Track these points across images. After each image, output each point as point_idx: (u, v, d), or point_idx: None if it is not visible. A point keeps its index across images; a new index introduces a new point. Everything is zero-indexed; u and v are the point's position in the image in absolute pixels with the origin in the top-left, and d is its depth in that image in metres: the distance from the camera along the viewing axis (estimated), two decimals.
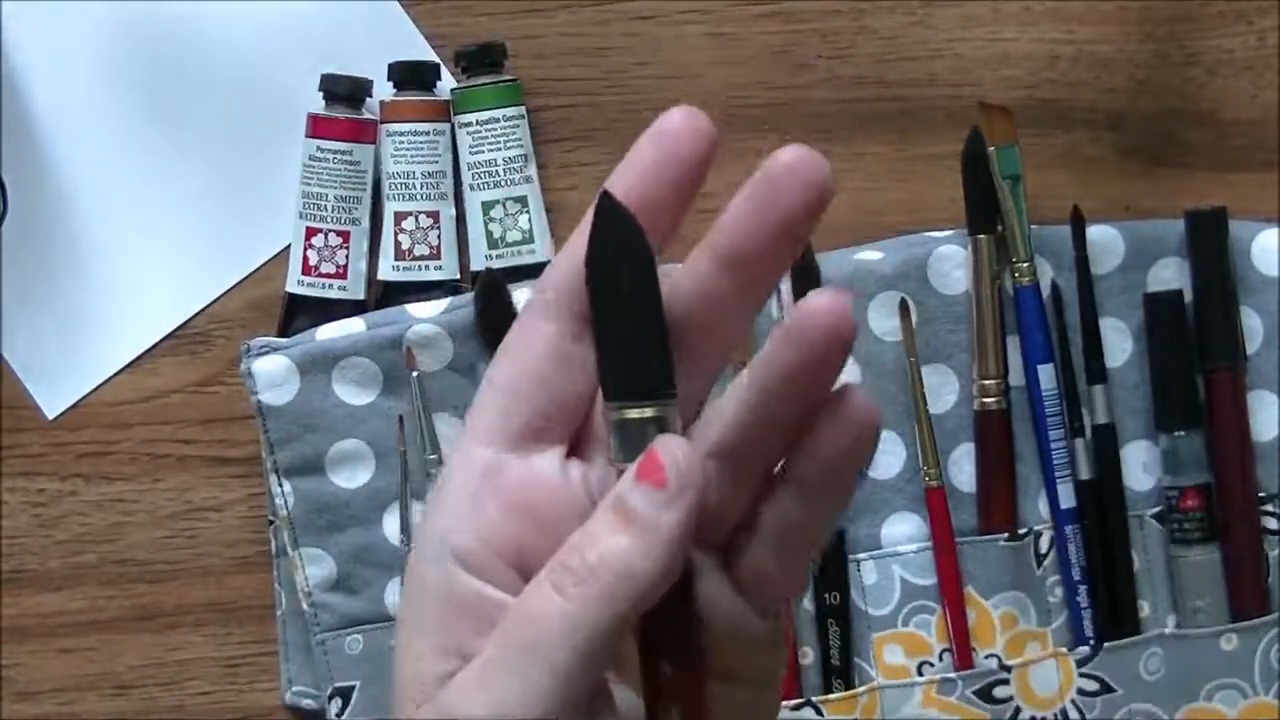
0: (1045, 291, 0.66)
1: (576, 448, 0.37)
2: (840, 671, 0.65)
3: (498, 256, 0.67)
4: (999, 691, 0.65)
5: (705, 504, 0.35)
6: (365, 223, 0.68)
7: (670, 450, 0.34)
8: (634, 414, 0.35)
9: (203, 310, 0.69)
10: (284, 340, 0.66)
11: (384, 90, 0.68)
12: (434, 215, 0.68)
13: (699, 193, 0.36)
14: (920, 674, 0.65)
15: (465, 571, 0.35)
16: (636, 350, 0.35)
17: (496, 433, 0.36)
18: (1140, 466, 0.66)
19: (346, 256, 0.68)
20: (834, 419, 0.35)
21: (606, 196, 0.35)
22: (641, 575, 0.34)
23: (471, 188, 0.67)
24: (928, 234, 0.67)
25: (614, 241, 0.35)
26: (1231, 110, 0.68)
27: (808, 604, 0.65)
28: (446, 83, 0.68)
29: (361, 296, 0.68)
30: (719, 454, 0.36)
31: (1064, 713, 0.65)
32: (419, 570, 0.36)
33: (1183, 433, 0.65)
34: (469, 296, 0.66)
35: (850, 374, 0.65)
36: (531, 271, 0.67)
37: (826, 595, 0.65)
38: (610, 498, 0.35)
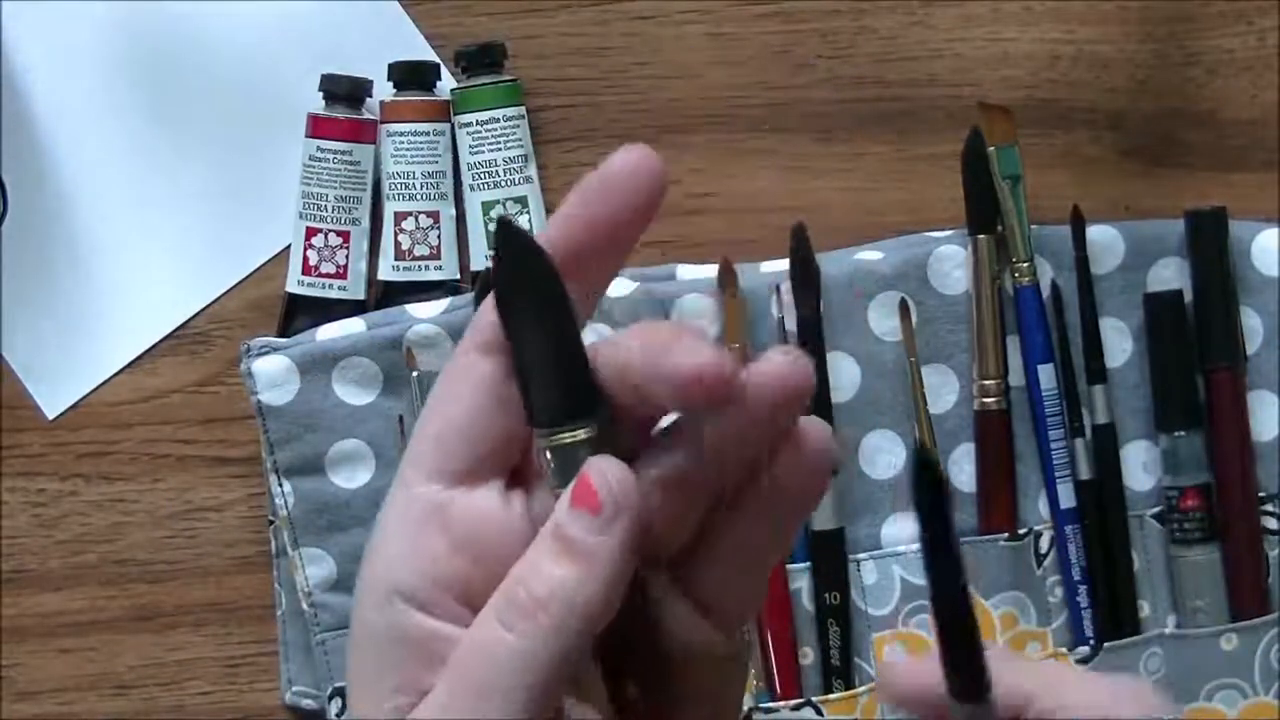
0: (1045, 291, 0.66)
1: (516, 478, 0.36)
2: (840, 671, 0.65)
3: None
4: None
5: (647, 525, 0.34)
6: (365, 223, 0.68)
7: (601, 473, 0.34)
8: (565, 438, 0.34)
9: (203, 310, 0.69)
10: (284, 340, 0.66)
11: (384, 90, 0.68)
12: (434, 215, 0.68)
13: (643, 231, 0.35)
14: None
15: (414, 610, 0.35)
16: (556, 374, 0.34)
17: (437, 471, 0.35)
18: (1140, 466, 0.66)
19: (346, 256, 0.68)
20: (792, 452, 0.35)
21: (504, 224, 0.34)
22: (586, 604, 0.33)
23: (471, 188, 0.67)
24: (928, 234, 0.67)
25: (517, 268, 0.34)
26: (1231, 110, 0.68)
27: (808, 604, 0.65)
28: (446, 83, 0.68)
29: (361, 296, 0.68)
30: (666, 484, 0.35)
31: None
32: (364, 614, 0.35)
33: (1183, 433, 0.65)
34: (469, 296, 0.66)
35: (850, 374, 0.65)
36: None
37: (826, 595, 0.65)
38: (548, 526, 0.34)
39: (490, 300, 0.35)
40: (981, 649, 0.35)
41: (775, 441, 0.35)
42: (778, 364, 0.34)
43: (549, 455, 0.34)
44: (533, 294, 0.34)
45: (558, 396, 0.34)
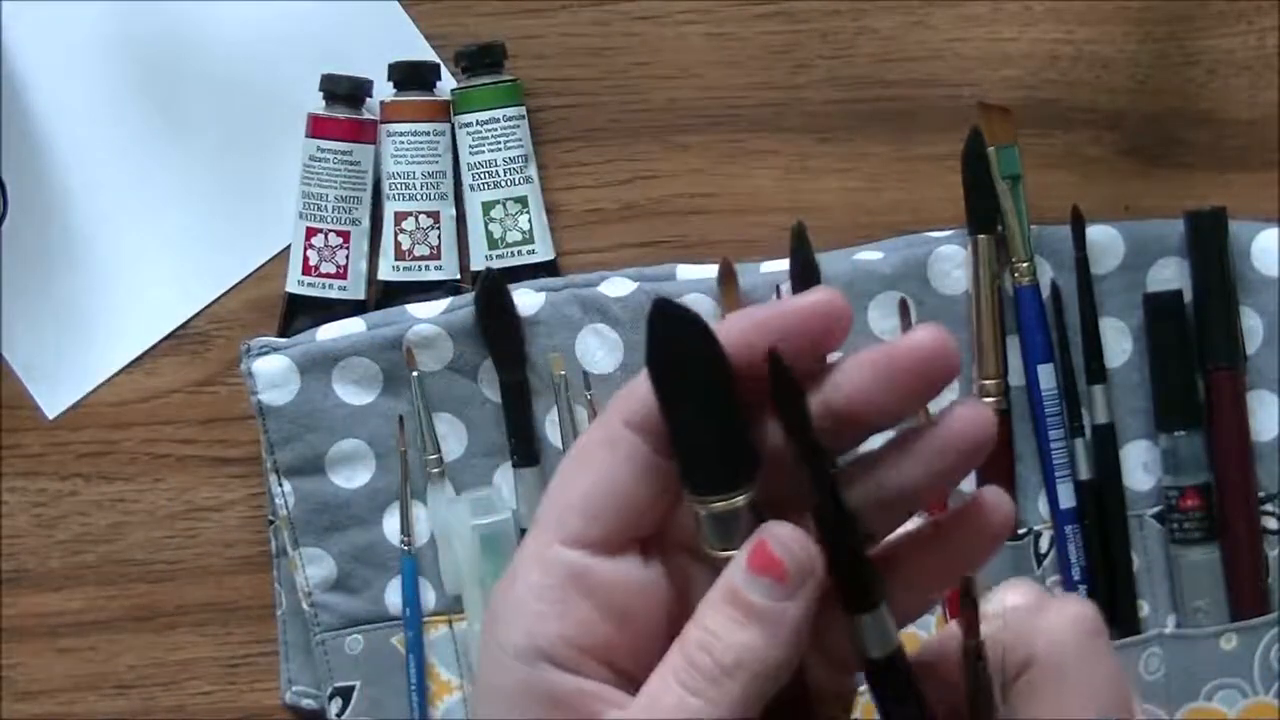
0: (1045, 291, 0.66)
1: (649, 543, 0.38)
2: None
3: (498, 256, 0.67)
4: None
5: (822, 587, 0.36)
6: (365, 223, 0.68)
7: (784, 542, 0.35)
8: (720, 506, 0.35)
9: (203, 310, 0.69)
10: (284, 340, 0.66)
11: (384, 90, 0.68)
12: (434, 215, 0.68)
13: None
14: None
15: (559, 669, 0.36)
16: (717, 443, 0.35)
17: (579, 538, 0.36)
18: (1140, 466, 0.66)
19: (346, 256, 0.68)
20: (971, 524, 0.38)
21: (661, 300, 0.35)
22: (772, 668, 0.35)
23: (471, 188, 0.67)
24: (928, 234, 0.67)
25: (674, 338, 0.35)
26: (1231, 110, 0.68)
27: None
28: (446, 83, 0.68)
29: (361, 296, 0.68)
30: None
31: None
32: (503, 672, 0.36)
33: (1183, 433, 0.65)
34: (469, 296, 0.66)
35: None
36: (532, 271, 0.67)
37: None
38: (722, 592, 0.35)
39: (644, 376, 0.36)
40: (864, 557, 0.36)
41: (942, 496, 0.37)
42: (967, 415, 0.37)
43: (708, 521, 0.36)
44: (693, 365, 0.35)
45: (718, 464, 0.35)
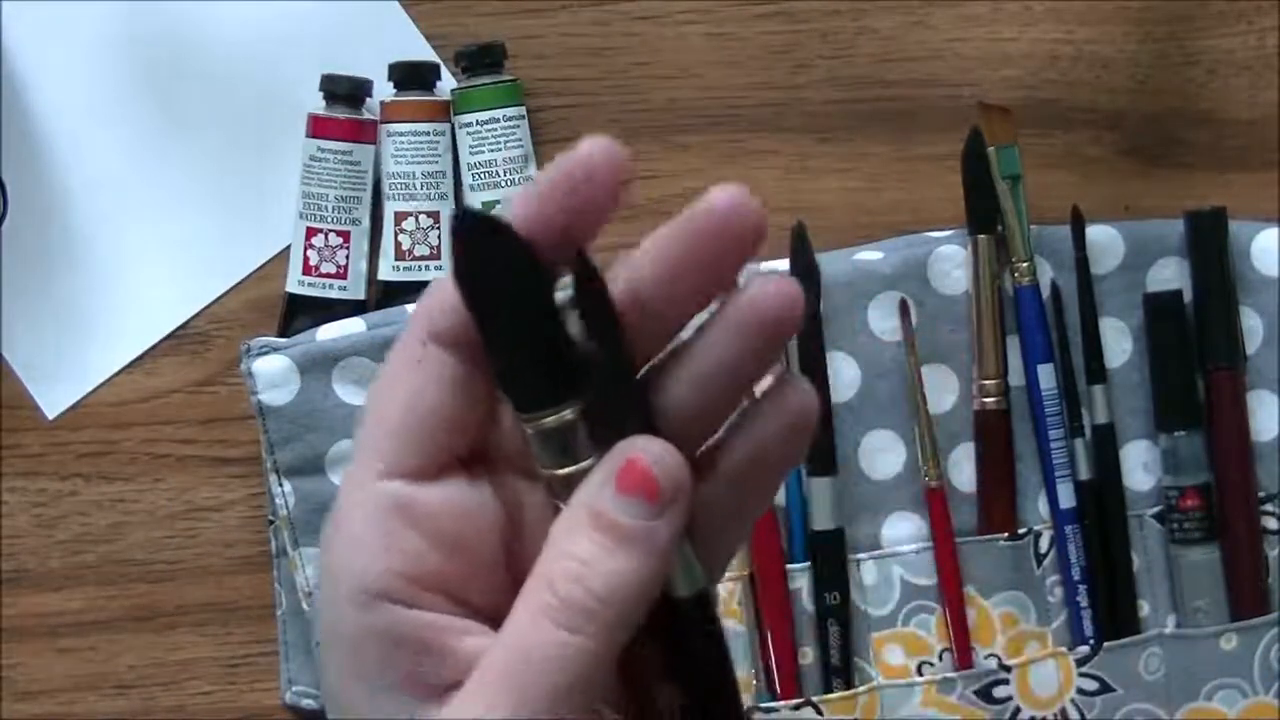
0: (1045, 291, 0.66)
1: (475, 462, 0.36)
2: (840, 671, 0.65)
3: None
4: (999, 691, 0.65)
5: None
6: (365, 223, 0.68)
7: (657, 456, 0.33)
8: (551, 421, 0.33)
9: (203, 310, 0.69)
10: (284, 340, 0.66)
11: (384, 90, 0.68)
12: (434, 215, 0.68)
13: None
14: (920, 674, 0.65)
15: (398, 606, 0.34)
16: (537, 356, 0.33)
17: (398, 466, 0.35)
18: (1140, 466, 0.66)
19: (347, 256, 0.68)
20: (773, 405, 0.35)
21: (465, 212, 0.33)
22: (649, 591, 0.33)
23: (472, 188, 0.67)
24: (928, 234, 0.67)
25: (485, 250, 0.33)
26: (1231, 110, 0.68)
27: (808, 604, 0.65)
28: (446, 83, 0.68)
29: (361, 296, 0.68)
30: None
31: (1064, 712, 0.65)
32: (341, 614, 0.34)
33: (1183, 433, 0.65)
34: None
35: (850, 374, 0.65)
36: None
37: (826, 595, 0.65)
38: (586, 516, 0.33)
39: (441, 284, 0.34)
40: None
41: (759, 373, 0.34)
42: (769, 289, 0.34)
43: (536, 438, 0.34)
44: (505, 276, 0.33)
45: (542, 380, 0.33)
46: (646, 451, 0.33)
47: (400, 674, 0.34)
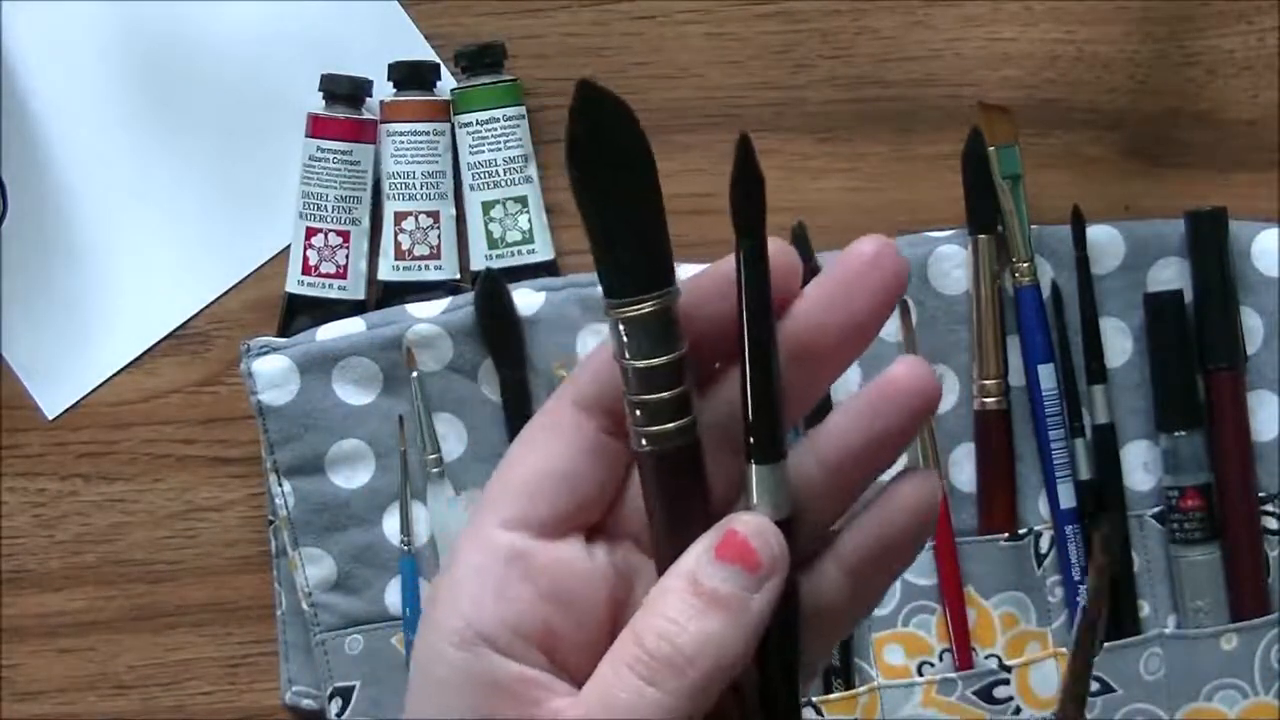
0: (1045, 291, 0.66)
1: (596, 531, 0.36)
2: (840, 671, 0.65)
3: (498, 256, 0.67)
4: (999, 691, 0.65)
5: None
6: (365, 223, 0.68)
7: (758, 530, 0.34)
8: (650, 306, 0.33)
9: (203, 310, 0.69)
10: (284, 340, 0.66)
11: (384, 90, 0.68)
12: (434, 215, 0.68)
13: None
14: (920, 674, 0.65)
15: (500, 655, 0.35)
16: (639, 241, 0.33)
17: (522, 521, 0.35)
18: (1140, 466, 0.66)
19: (346, 256, 0.68)
20: (896, 498, 0.36)
21: (587, 83, 0.33)
22: (736, 659, 0.34)
23: (471, 188, 0.67)
24: (928, 234, 0.67)
25: (599, 128, 0.33)
26: (1231, 110, 0.68)
27: None
28: (446, 83, 0.68)
29: (361, 296, 0.68)
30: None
31: None
32: (440, 655, 0.35)
33: (1183, 433, 0.65)
34: (469, 296, 0.66)
35: (850, 374, 0.65)
36: (532, 271, 0.67)
37: None
38: (681, 580, 0.34)
39: (594, 354, 0.35)
40: (779, 400, 0.34)
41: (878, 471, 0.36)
42: (905, 372, 0.36)
43: (622, 328, 0.34)
44: (619, 157, 0.33)
45: (645, 263, 0.34)
46: (745, 524, 0.34)
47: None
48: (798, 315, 0.35)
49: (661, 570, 0.35)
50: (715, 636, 0.33)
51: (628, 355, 0.34)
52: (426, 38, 0.68)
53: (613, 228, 0.34)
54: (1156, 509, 0.66)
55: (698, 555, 0.34)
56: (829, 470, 0.36)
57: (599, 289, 0.70)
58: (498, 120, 0.67)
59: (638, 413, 0.34)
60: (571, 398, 0.36)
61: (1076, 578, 0.65)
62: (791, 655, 0.36)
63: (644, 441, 0.35)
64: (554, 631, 0.35)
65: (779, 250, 0.35)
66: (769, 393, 0.34)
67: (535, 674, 0.35)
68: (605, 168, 0.33)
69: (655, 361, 0.34)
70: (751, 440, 0.34)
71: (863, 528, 0.37)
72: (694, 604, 0.34)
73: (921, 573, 0.65)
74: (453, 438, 0.66)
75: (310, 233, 0.67)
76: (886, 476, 0.37)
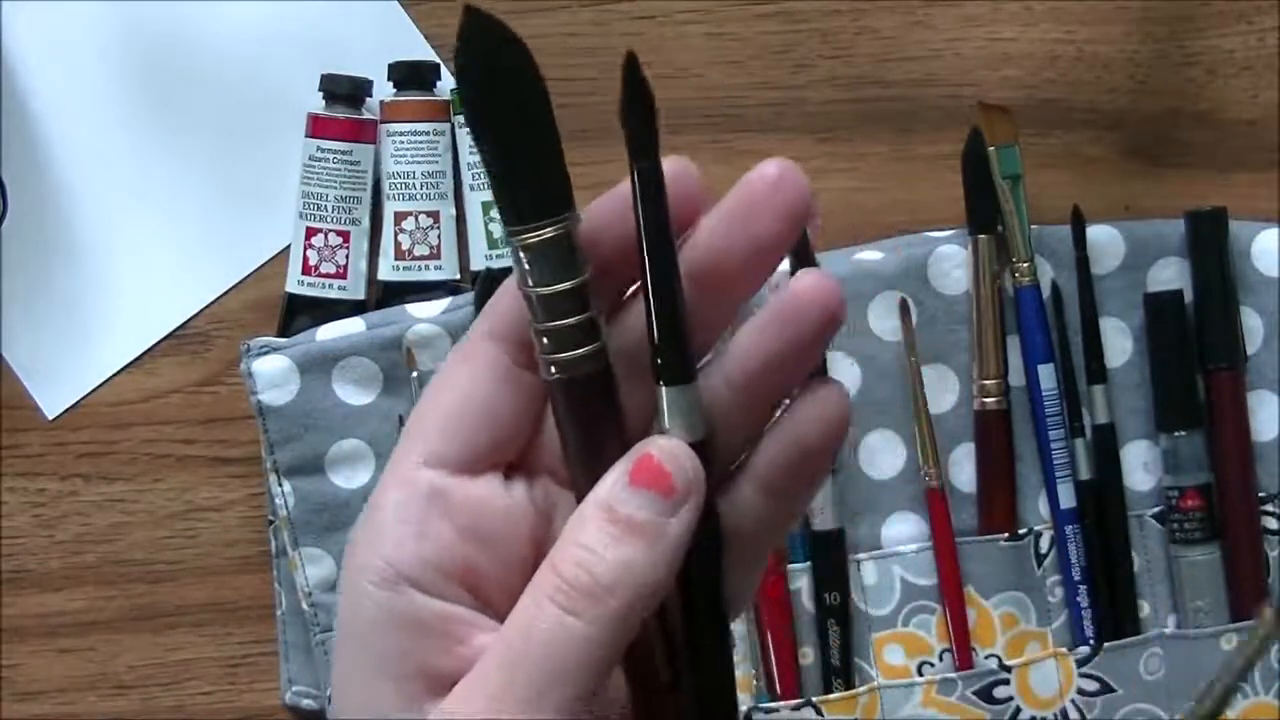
0: (1045, 291, 0.66)
1: (513, 467, 0.36)
2: (840, 671, 0.65)
3: (498, 256, 0.67)
4: (999, 691, 0.65)
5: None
6: (365, 223, 0.68)
7: (672, 455, 0.33)
8: (550, 232, 0.33)
9: (203, 310, 0.69)
10: (284, 340, 0.66)
11: (384, 90, 0.68)
12: (434, 215, 0.68)
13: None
14: (920, 674, 0.65)
15: (422, 594, 0.34)
16: (537, 168, 0.33)
17: (439, 456, 0.35)
18: (1140, 466, 0.66)
19: (346, 256, 0.68)
20: (806, 406, 0.35)
21: (472, 10, 0.33)
22: (655, 586, 0.33)
23: (471, 188, 0.67)
24: (928, 234, 0.67)
25: (487, 56, 0.33)
26: (1231, 110, 0.68)
27: (808, 604, 0.65)
28: (446, 83, 0.68)
29: (361, 296, 0.68)
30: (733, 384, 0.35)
31: (1064, 713, 0.65)
32: (362, 597, 0.35)
33: (1183, 433, 0.65)
34: (469, 296, 0.66)
35: (850, 374, 0.65)
36: None
37: (826, 595, 0.65)
38: (599, 506, 0.33)
39: (506, 287, 0.35)
40: (686, 328, 0.34)
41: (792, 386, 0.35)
42: (810, 283, 0.34)
43: (523, 255, 0.33)
44: (511, 78, 0.33)
45: (544, 188, 0.33)
46: (660, 448, 0.33)
47: (414, 663, 0.34)
48: (699, 240, 0.34)
49: (579, 500, 0.34)
50: (633, 563, 0.33)
51: (530, 282, 0.34)
52: (426, 38, 0.68)
53: (508, 155, 0.33)
54: (1156, 509, 0.66)
55: (612, 482, 0.33)
56: (738, 389, 0.35)
57: None
58: None
59: (545, 340, 0.34)
60: (484, 331, 0.35)
61: (1076, 578, 0.65)
62: (714, 579, 0.35)
63: (553, 369, 0.34)
64: (475, 569, 0.35)
65: (680, 172, 0.34)
66: (674, 314, 0.33)
67: (459, 610, 0.34)
68: (497, 95, 0.33)
69: (558, 287, 0.33)
70: (659, 362, 0.34)
71: (775, 442, 0.36)
72: (611, 531, 0.33)
73: (921, 573, 0.65)
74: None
75: (310, 233, 0.67)
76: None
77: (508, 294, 0.35)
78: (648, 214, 0.33)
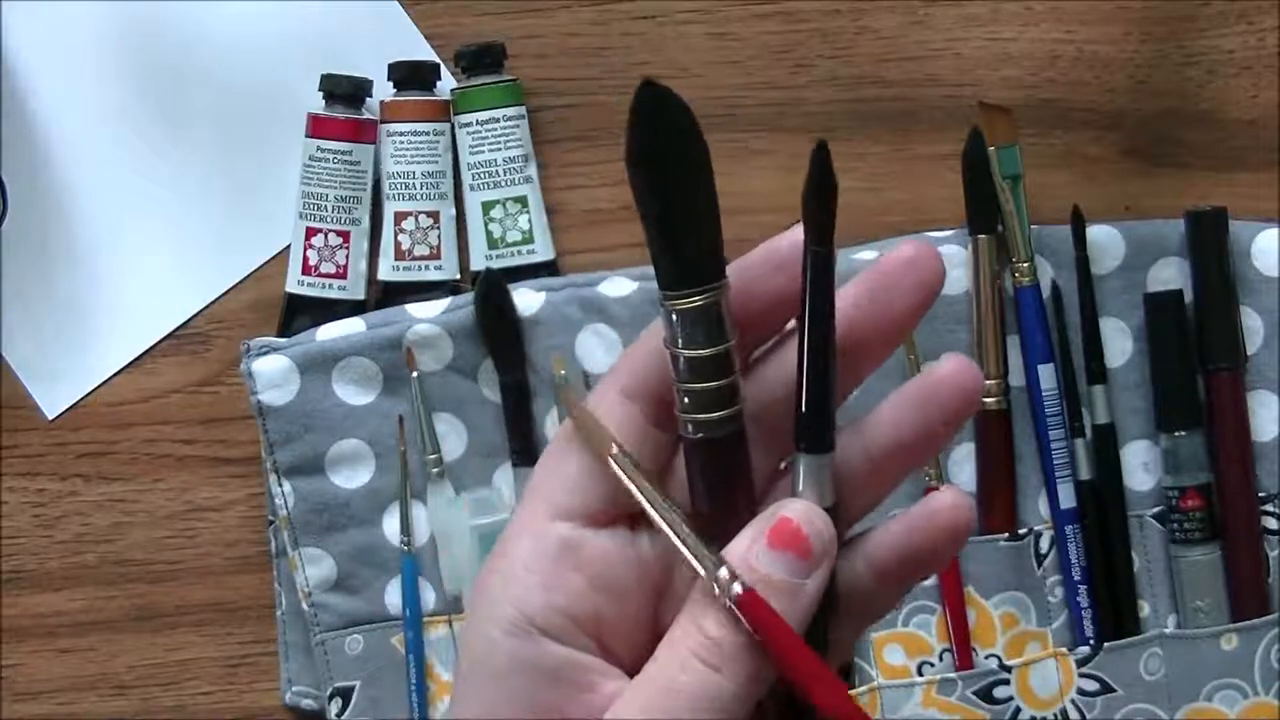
0: (1045, 291, 0.66)
1: (640, 521, 0.37)
2: (840, 671, 0.65)
3: (498, 256, 0.67)
4: (999, 691, 0.65)
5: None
6: (365, 223, 0.68)
7: (810, 519, 0.35)
8: (700, 300, 0.35)
9: (203, 310, 0.69)
10: (284, 340, 0.66)
11: (384, 90, 0.68)
12: (434, 215, 0.68)
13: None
14: (920, 674, 0.65)
15: (551, 640, 0.35)
16: (690, 237, 0.35)
17: (569, 510, 0.36)
18: (1140, 466, 0.66)
19: (346, 256, 0.68)
20: (932, 511, 0.37)
21: (649, 84, 0.34)
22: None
23: (471, 188, 0.67)
24: (928, 234, 0.67)
25: (659, 128, 0.34)
26: (1231, 110, 0.68)
27: None
28: (446, 83, 0.68)
29: (361, 296, 0.68)
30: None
31: (1064, 713, 0.65)
32: (491, 641, 0.36)
33: (1183, 433, 0.65)
34: (469, 296, 0.66)
35: None
36: (532, 271, 0.67)
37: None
38: (735, 564, 0.35)
39: (638, 344, 0.36)
40: (833, 402, 0.36)
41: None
42: (950, 364, 0.37)
43: (675, 318, 0.35)
44: (678, 155, 0.34)
45: (701, 255, 0.35)
46: (797, 512, 0.35)
47: (543, 709, 0.35)
48: (839, 311, 0.36)
49: None
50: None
51: (680, 344, 0.35)
52: (426, 38, 0.68)
53: (670, 223, 0.35)
54: (1156, 509, 0.66)
55: (749, 541, 0.35)
56: (871, 461, 0.37)
57: (598, 289, 0.70)
58: (498, 120, 0.67)
59: (686, 400, 0.35)
60: (617, 387, 0.37)
61: (1076, 578, 0.65)
62: (824, 639, 0.36)
63: (691, 428, 0.36)
64: (602, 618, 0.36)
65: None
66: (826, 388, 0.35)
67: (587, 659, 0.36)
68: (664, 165, 0.34)
69: (706, 351, 0.35)
70: (805, 429, 0.36)
71: (896, 533, 0.38)
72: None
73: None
74: (453, 438, 0.66)
75: (310, 233, 0.67)
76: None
77: (641, 352, 0.36)
78: (815, 295, 0.35)
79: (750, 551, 0.35)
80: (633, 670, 0.36)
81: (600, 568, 0.36)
